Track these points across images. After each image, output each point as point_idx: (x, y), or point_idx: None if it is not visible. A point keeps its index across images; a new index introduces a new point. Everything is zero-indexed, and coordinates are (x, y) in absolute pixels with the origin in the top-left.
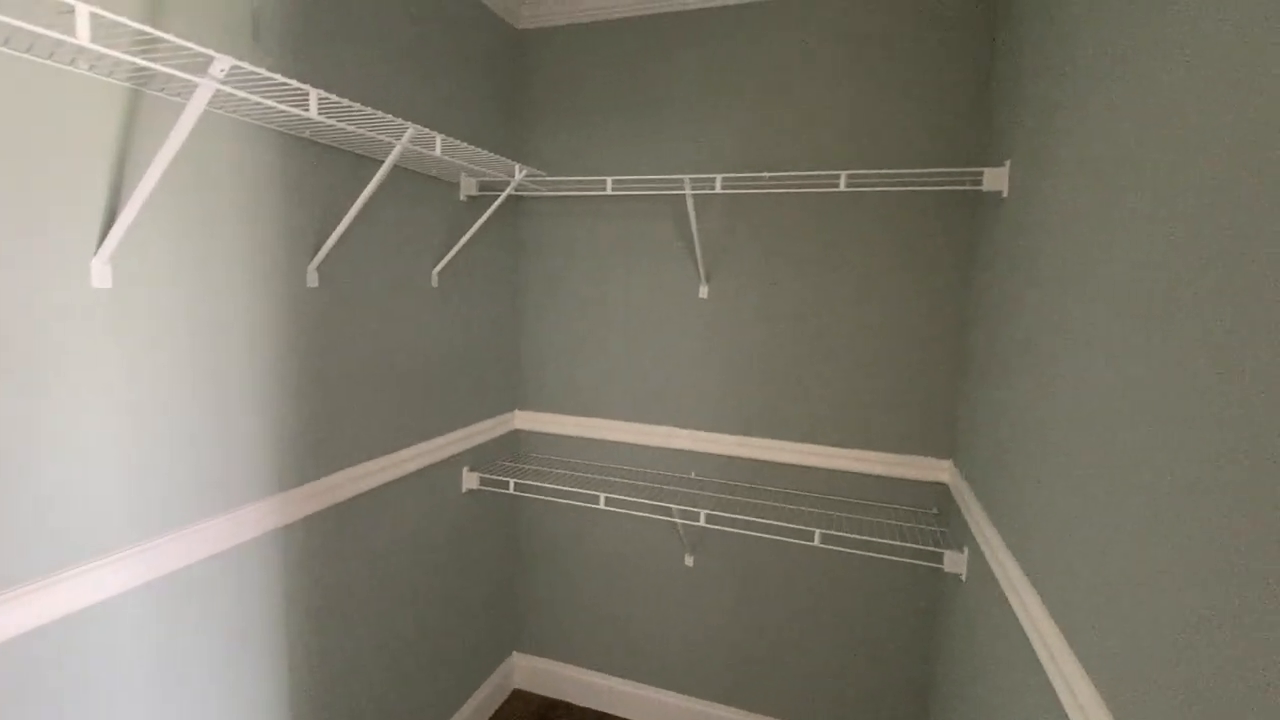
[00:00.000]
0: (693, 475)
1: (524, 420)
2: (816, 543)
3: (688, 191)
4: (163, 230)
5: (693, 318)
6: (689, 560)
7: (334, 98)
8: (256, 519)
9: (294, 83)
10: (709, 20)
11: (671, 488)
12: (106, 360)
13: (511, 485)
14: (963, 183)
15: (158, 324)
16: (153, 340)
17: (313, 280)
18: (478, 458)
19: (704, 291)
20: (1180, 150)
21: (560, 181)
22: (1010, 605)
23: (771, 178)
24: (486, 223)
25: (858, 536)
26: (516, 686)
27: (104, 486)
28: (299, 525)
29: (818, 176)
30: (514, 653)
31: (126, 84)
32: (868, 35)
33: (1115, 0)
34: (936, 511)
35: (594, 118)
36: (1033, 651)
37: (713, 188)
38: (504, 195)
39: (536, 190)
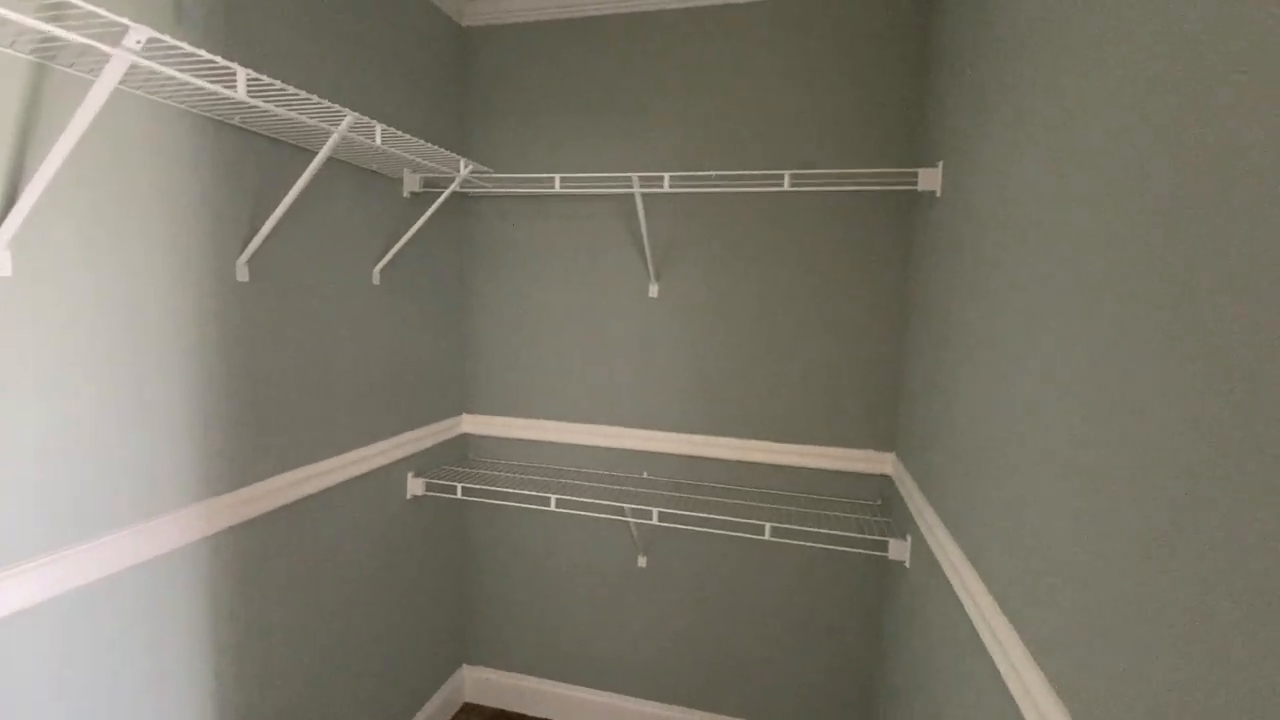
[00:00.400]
0: (645, 475)
1: (472, 424)
2: (767, 536)
3: (636, 190)
4: (73, 214)
5: (643, 317)
6: (642, 561)
7: (265, 79)
8: (180, 527)
9: (220, 60)
10: (655, 23)
11: (624, 488)
12: (6, 356)
13: (459, 490)
14: (899, 183)
15: (66, 315)
16: (60, 333)
17: (243, 274)
18: (423, 463)
19: (654, 291)
20: (1085, 149)
21: (507, 179)
22: (951, 585)
23: (718, 176)
24: (432, 221)
25: (806, 529)
26: (467, 700)
27: (5, 492)
28: (228, 533)
29: (763, 176)
30: (464, 665)
31: (31, 57)
32: (811, 39)
33: (1027, 8)
34: (880, 503)
35: (541, 117)
36: (973, 627)
37: (661, 186)
38: (449, 191)
39: (483, 188)
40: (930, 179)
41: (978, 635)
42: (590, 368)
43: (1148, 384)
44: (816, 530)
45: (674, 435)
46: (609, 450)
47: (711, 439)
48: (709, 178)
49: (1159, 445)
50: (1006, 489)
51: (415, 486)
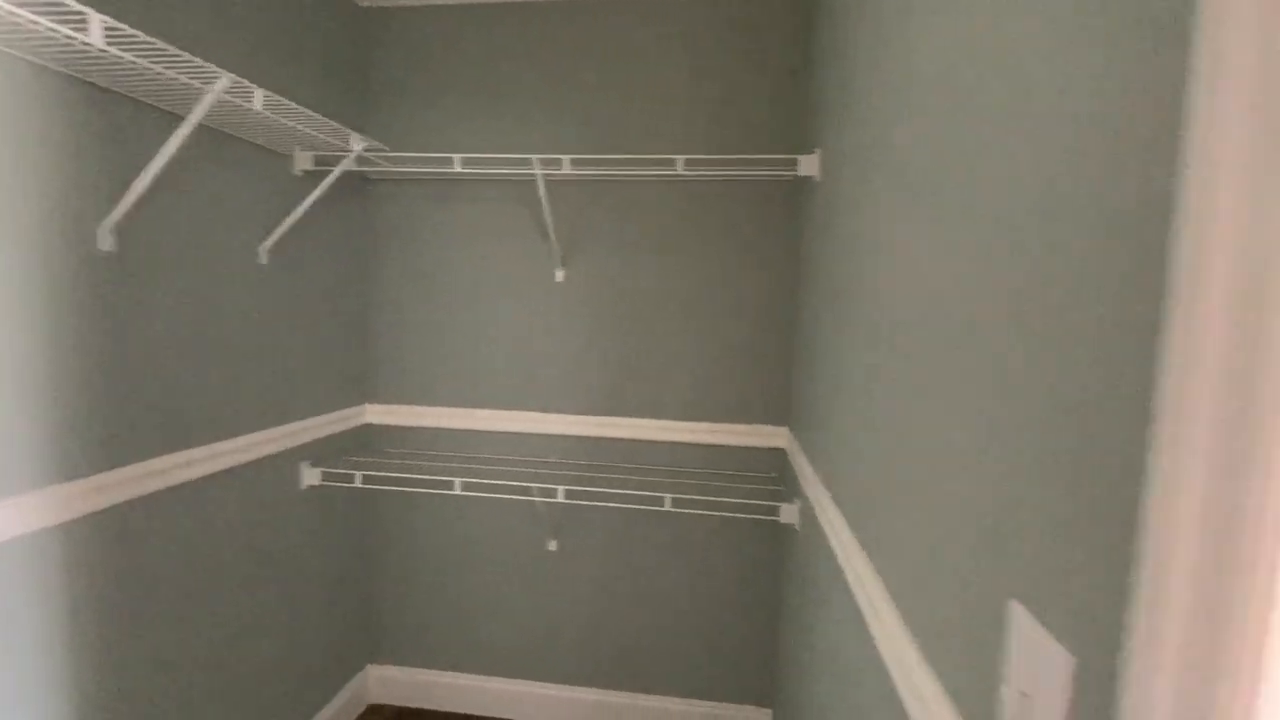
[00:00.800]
0: (553, 459)
1: (377, 414)
2: (667, 507)
3: (537, 171)
4: None
5: (550, 301)
6: (552, 545)
7: (127, 29)
8: (24, 513)
9: (72, 2)
10: (555, 10)
11: (532, 470)
12: None
13: (358, 479)
14: (781, 169)
15: None
16: None
17: (107, 242)
18: (321, 452)
19: (560, 275)
20: (929, 131)
21: (405, 158)
22: (826, 536)
23: (617, 160)
24: (328, 202)
25: (705, 499)
26: (372, 701)
27: None
28: (86, 521)
29: (658, 159)
30: (368, 665)
31: None
32: (708, 31)
33: (876, 6)
34: (776, 474)
35: (445, 101)
36: (839, 568)
37: (560, 168)
38: (340, 168)
39: (380, 166)
40: (809, 165)
41: (841, 571)
42: (498, 353)
43: (983, 368)
44: (715, 500)
45: (581, 418)
46: (518, 435)
47: (618, 420)
48: (608, 161)
49: (1014, 427)
50: (866, 452)
51: (311, 476)
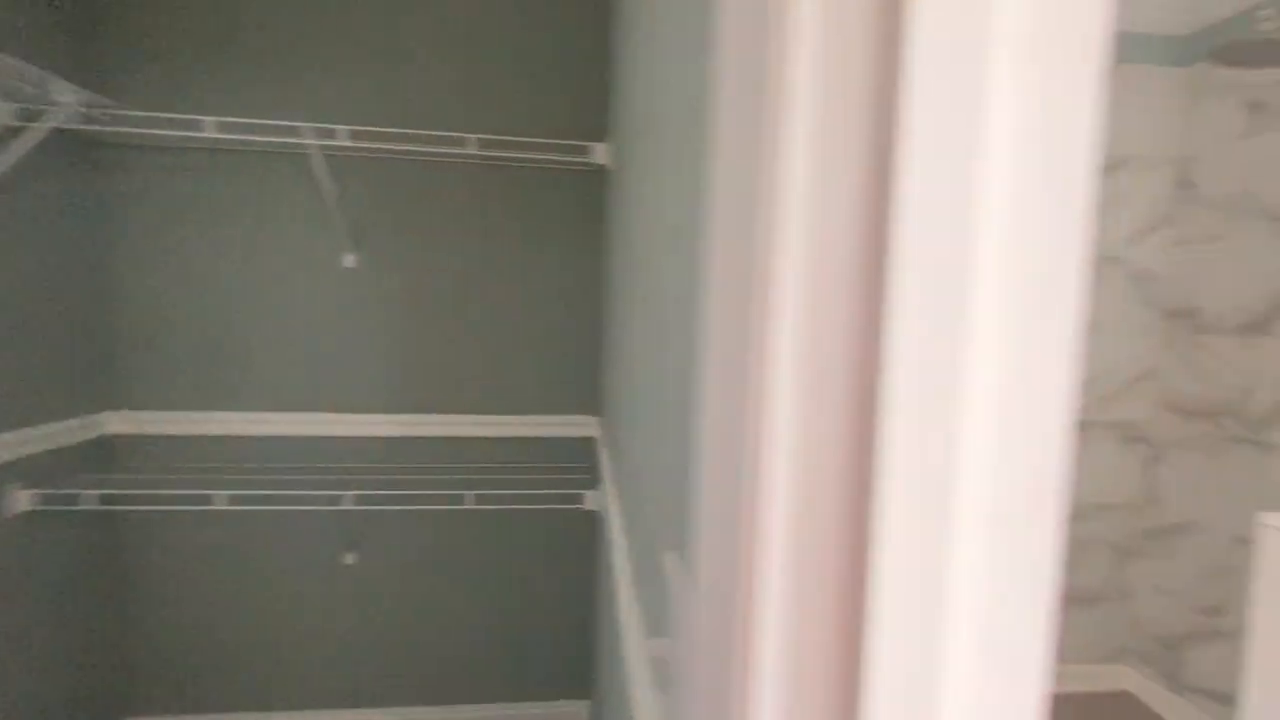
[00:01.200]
0: (350, 464)
1: (121, 422)
2: (470, 504)
3: (310, 141)
4: None
5: (338, 290)
6: (349, 558)
7: None
8: None
9: None
10: None
11: (322, 477)
12: None
13: (88, 499)
14: (577, 155)
15: None
16: None
17: None
18: (41, 470)
19: (350, 261)
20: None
21: (142, 117)
22: (609, 512)
23: (403, 134)
24: (43, 169)
25: (508, 492)
26: None
27: None
28: None
29: (450, 137)
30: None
31: None
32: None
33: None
34: (587, 464)
35: (205, 58)
36: (612, 539)
37: (333, 138)
38: (43, 125)
39: (114, 127)
40: (602, 153)
41: (613, 552)
42: (277, 348)
43: (657, 363)
44: (517, 492)
45: (380, 417)
46: (307, 440)
47: (421, 418)
48: (391, 134)
49: (660, 399)
50: (631, 431)
51: (20, 500)
